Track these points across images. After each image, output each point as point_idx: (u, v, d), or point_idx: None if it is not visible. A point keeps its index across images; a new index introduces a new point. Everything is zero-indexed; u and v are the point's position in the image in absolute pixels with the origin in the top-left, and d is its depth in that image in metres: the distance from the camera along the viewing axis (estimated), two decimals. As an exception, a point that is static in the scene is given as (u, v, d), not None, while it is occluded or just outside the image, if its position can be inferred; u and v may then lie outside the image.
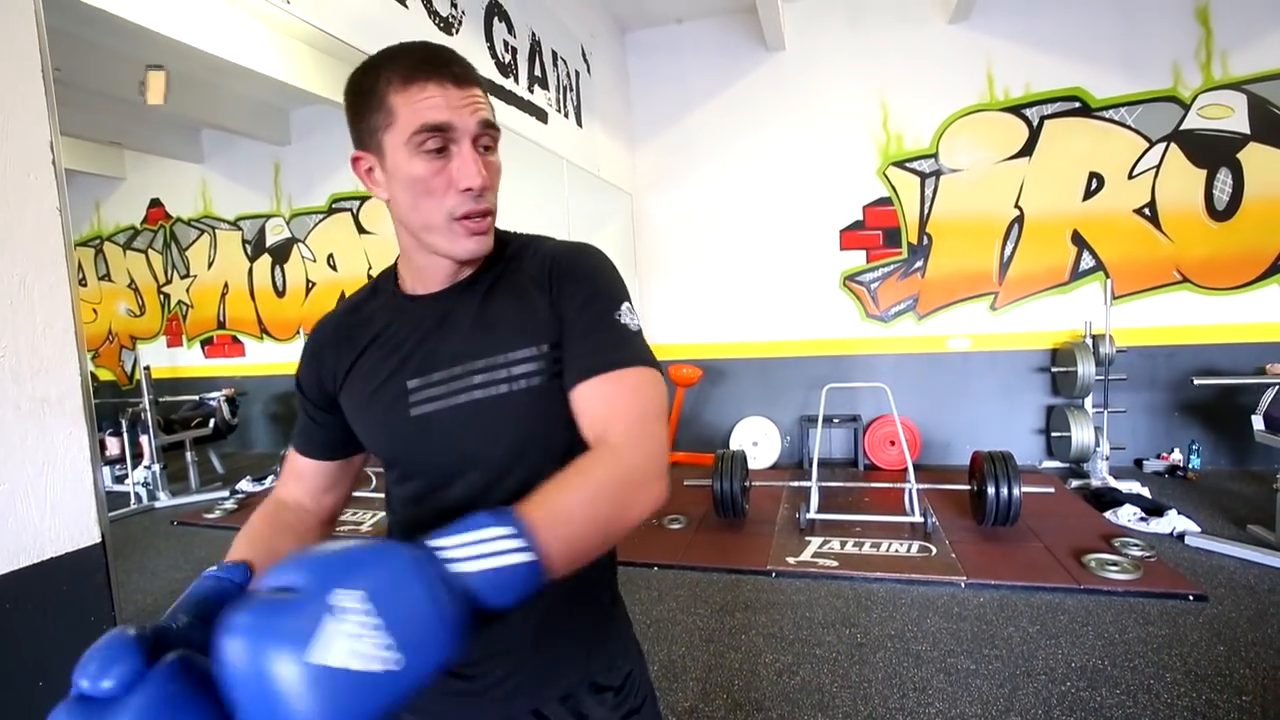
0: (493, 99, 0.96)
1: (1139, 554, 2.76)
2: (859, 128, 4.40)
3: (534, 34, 3.25)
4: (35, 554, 1.11)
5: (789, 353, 4.67)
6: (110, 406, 5.07)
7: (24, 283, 1.12)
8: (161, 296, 6.55)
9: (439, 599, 0.40)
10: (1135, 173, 4.01)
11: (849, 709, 1.91)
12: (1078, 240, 4.15)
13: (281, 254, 5.96)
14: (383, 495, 0.81)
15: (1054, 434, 4.21)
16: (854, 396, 4.54)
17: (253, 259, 6.07)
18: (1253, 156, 3.83)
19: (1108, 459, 3.82)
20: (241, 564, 0.62)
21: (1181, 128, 3.92)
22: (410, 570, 0.40)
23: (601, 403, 0.62)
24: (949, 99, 4.23)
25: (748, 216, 4.66)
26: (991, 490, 2.94)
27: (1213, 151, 3.89)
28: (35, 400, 1.12)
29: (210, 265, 6.25)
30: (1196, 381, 3.24)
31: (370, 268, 5.60)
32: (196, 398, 5.33)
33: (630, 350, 0.65)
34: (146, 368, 4.75)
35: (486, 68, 2.80)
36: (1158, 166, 3.98)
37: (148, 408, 4.56)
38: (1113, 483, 3.66)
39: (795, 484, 3.84)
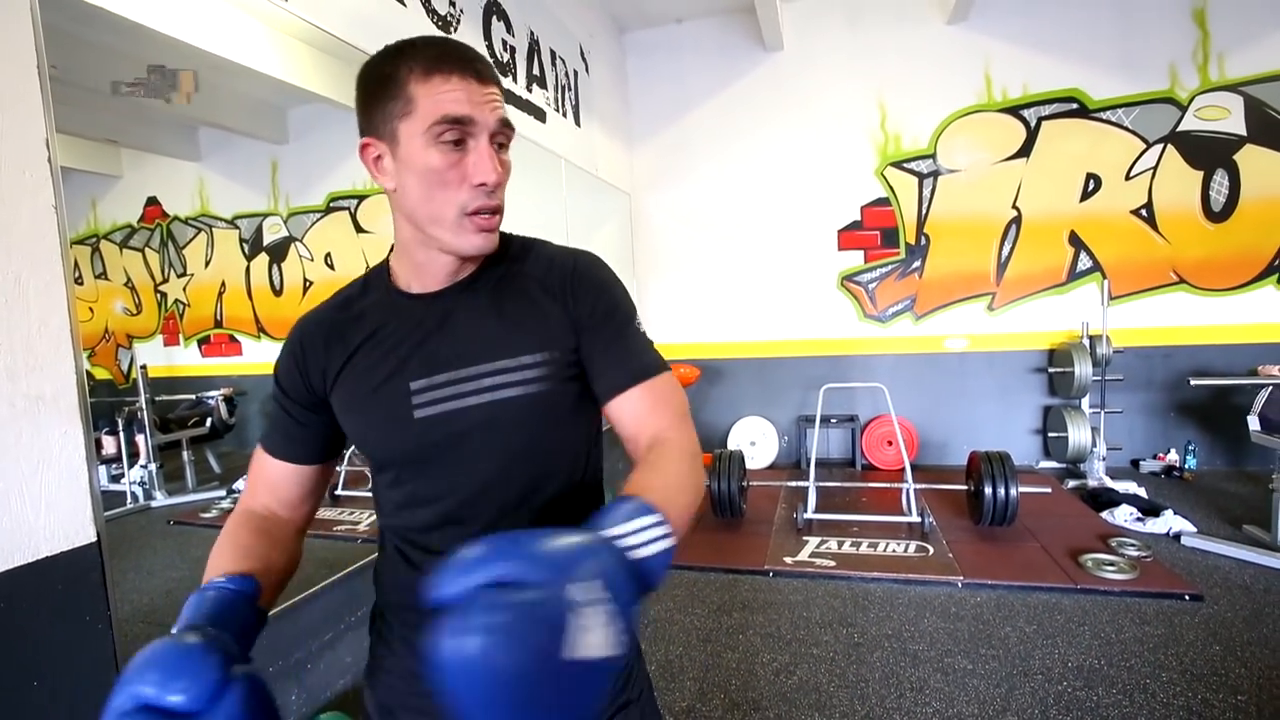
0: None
1: (1135, 554, 2.77)
2: (857, 128, 4.40)
3: (532, 33, 3.24)
4: (30, 553, 1.11)
5: (787, 353, 4.67)
6: (107, 405, 5.05)
7: (19, 280, 1.11)
8: (158, 295, 6.52)
9: (636, 585, 0.42)
10: (1132, 174, 4.02)
11: (846, 708, 1.91)
12: (1075, 241, 4.16)
13: (279, 253, 5.93)
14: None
15: (1051, 434, 4.22)
16: (851, 396, 4.54)
17: (250, 258, 6.04)
18: (1249, 158, 3.85)
19: (1104, 459, 3.83)
20: (247, 576, 0.62)
21: (1178, 129, 3.93)
22: (618, 559, 0.42)
23: (645, 408, 0.68)
24: (947, 99, 4.24)
25: (746, 216, 4.66)
26: (989, 490, 2.95)
27: (1209, 153, 3.91)
28: (30, 398, 1.12)
29: (207, 264, 6.22)
30: (1193, 382, 3.25)
31: (368, 267, 5.58)
32: (194, 397, 5.31)
33: (654, 357, 0.72)
34: (143, 366, 4.74)
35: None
36: (1155, 168, 3.99)
37: (144, 406, 4.55)
38: (1109, 483, 3.67)
39: (793, 484, 3.84)
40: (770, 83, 4.51)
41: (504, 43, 2.96)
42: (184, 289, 6.39)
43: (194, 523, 4.06)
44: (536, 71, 3.26)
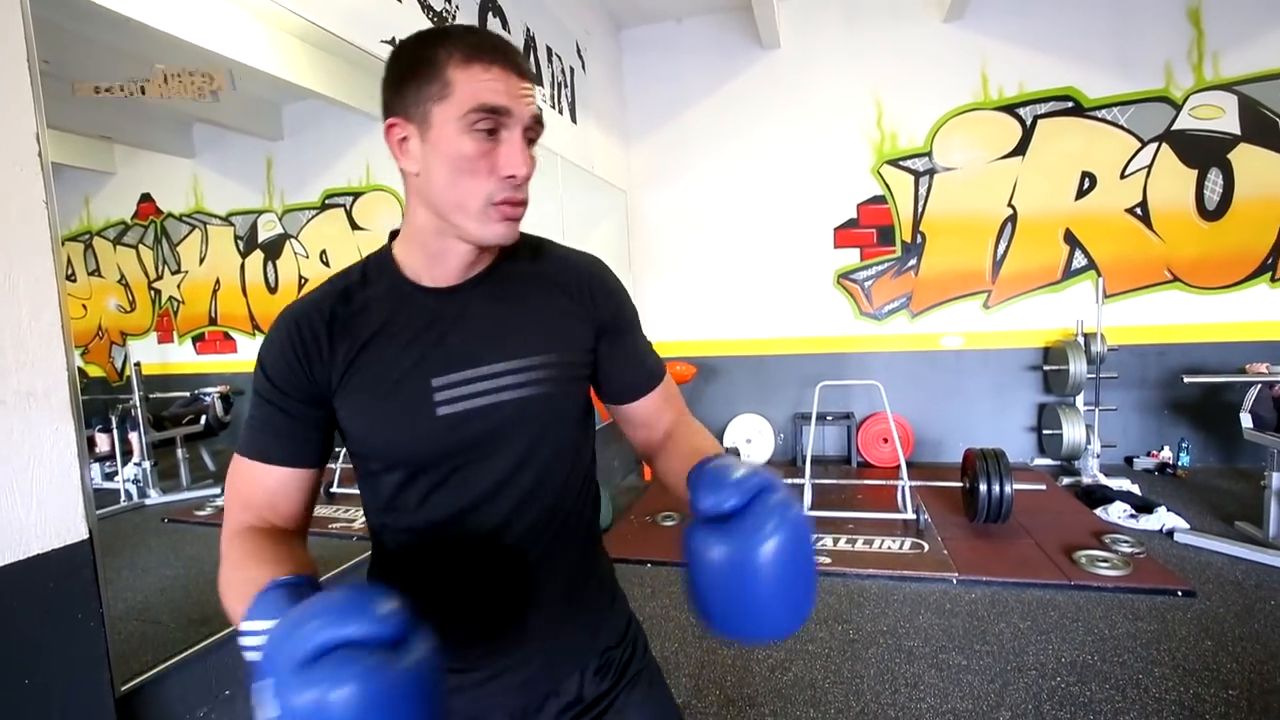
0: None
1: (1129, 550, 2.78)
2: (853, 126, 4.40)
3: (529, 30, 3.24)
4: (21, 550, 1.10)
5: (783, 350, 4.68)
6: (100, 403, 5.03)
7: (9, 275, 1.11)
8: (152, 292, 6.48)
9: None
10: (1127, 172, 4.03)
11: (841, 704, 1.92)
12: (1070, 239, 4.17)
13: (274, 250, 5.91)
14: None
15: (1045, 432, 4.23)
16: (847, 394, 4.55)
17: (245, 255, 6.02)
18: (1243, 157, 3.86)
19: (1098, 456, 3.85)
20: (306, 575, 0.59)
21: (1173, 128, 3.94)
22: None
23: (660, 404, 0.80)
24: (943, 98, 4.24)
25: (742, 214, 4.66)
26: (983, 487, 2.96)
27: (1204, 152, 3.92)
28: (21, 394, 1.11)
29: (202, 261, 6.19)
30: (1186, 380, 3.26)
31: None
32: (188, 394, 5.29)
33: (658, 359, 0.82)
34: (137, 364, 4.72)
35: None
36: (1149, 166, 4.00)
37: (138, 404, 4.53)
38: (1103, 480, 3.69)
39: (788, 481, 3.84)
40: (767, 81, 4.51)
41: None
42: (178, 286, 6.35)
43: (188, 520, 4.04)
44: (532, 68, 3.25)
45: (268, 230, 5.91)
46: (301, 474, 0.67)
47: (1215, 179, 3.91)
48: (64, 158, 5.70)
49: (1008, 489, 2.94)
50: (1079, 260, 4.18)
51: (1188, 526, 3.03)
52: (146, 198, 6.43)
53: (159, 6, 2.09)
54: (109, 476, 4.60)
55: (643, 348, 0.79)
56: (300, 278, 5.84)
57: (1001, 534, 3.05)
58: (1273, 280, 3.92)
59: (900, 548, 2.97)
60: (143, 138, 5.64)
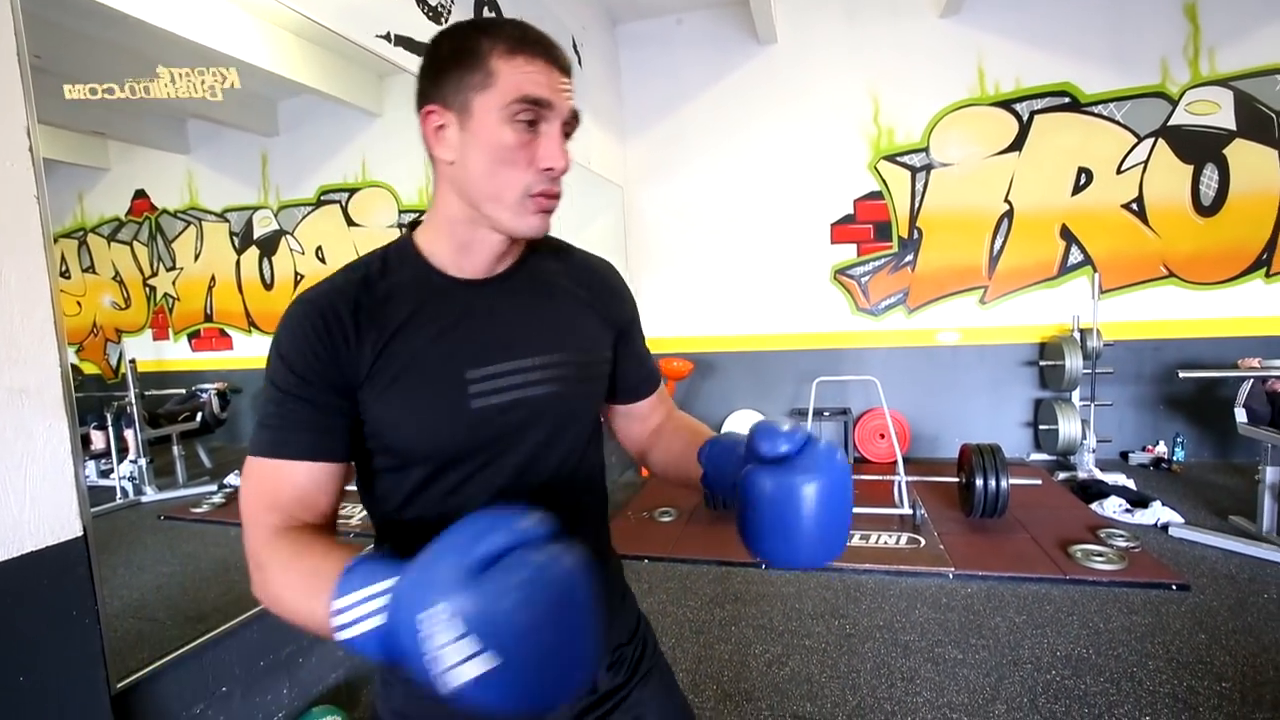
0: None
1: (1124, 545, 2.79)
2: (850, 121, 4.40)
3: (524, 24, 3.22)
4: (14, 548, 1.10)
5: (780, 346, 4.68)
6: (96, 400, 5.00)
7: (0, 271, 1.10)
8: (147, 289, 6.45)
9: None
10: (1123, 168, 4.04)
11: (837, 698, 1.92)
12: (1066, 235, 4.18)
13: (269, 246, 5.88)
14: None
15: (1042, 427, 4.25)
16: (844, 390, 4.55)
17: (240, 251, 6.00)
18: (1238, 152, 3.87)
19: (1094, 451, 3.87)
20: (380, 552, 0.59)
21: (1169, 123, 3.95)
22: None
23: (656, 402, 0.87)
24: (940, 93, 4.24)
25: (739, 210, 4.65)
26: (980, 482, 2.97)
27: (1199, 147, 3.93)
28: (13, 391, 1.10)
29: (197, 257, 6.16)
30: (1181, 375, 3.27)
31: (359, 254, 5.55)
32: (184, 391, 5.28)
33: (655, 359, 0.88)
34: (132, 361, 4.70)
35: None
36: (1145, 162, 4.00)
37: (133, 401, 4.52)
38: (1099, 475, 3.70)
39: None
40: (764, 76, 4.50)
41: (438, 32, 2.93)
42: (173, 283, 6.32)
43: (184, 518, 4.03)
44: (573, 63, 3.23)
45: (263, 226, 5.88)
46: (332, 468, 0.64)
47: (1211, 174, 3.92)
48: (57, 153, 5.65)
49: (1004, 484, 2.95)
50: (1075, 256, 4.18)
51: (1182, 521, 3.04)
52: (141, 194, 6.39)
53: (154, 2, 2.07)
54: (105, 474, 4.57)
55: (646, 350, 0.85)
56: (296, 274, 5.82)
57: (997, 529, 3.07)
58: (1267, 275, 3.93)
59: (897, 543, 2.98)
60: (137, 133, 5.60)
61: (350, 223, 5.83)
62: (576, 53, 3.92)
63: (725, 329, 4.77)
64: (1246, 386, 2.99)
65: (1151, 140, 3.98)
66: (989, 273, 4.32)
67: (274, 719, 1.75)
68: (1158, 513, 3.10)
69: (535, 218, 0.64)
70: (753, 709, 1.90)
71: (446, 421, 0.65)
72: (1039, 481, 3.64)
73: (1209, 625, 2.20)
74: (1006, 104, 4.16)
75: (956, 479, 3.32)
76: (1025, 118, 4.14)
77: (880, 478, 3.92)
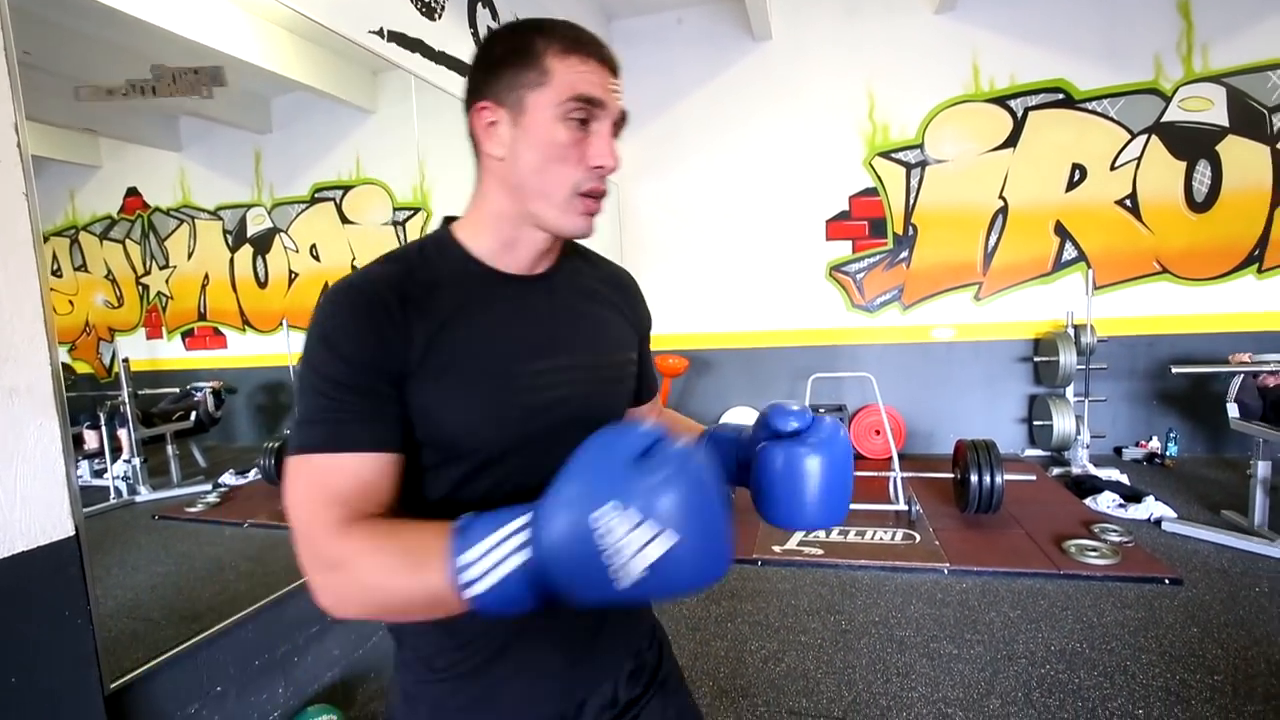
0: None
1: (1117, 540, 2.81)
2: (845, 118, 4.40)
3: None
4: (5, 547, 1.09)
5: (775, 343, 4.68)
6: (89, 399, 4.97)
7: (-10, 270, 1.09)
8: (140, 288, 6.41)
9: None
10: (1117, 164, 4.05)
11: (833, 694, 1.93)
12: (1060, 231, 4.19)
13: (263, 244, 5.85)
14: None
15: (1036, 423, 4.27)
16: (839, 386, 4.56)
17: (234, 249, 5.96)
18: (1231, 149, 3.89)
19: (1088, 447, 3.89)
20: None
21: (1162, 120, 3.97)
22: None
23: (654, 405, 0.90)
24: (935, 90, 4.24)
25: (734, 207, 4.65)
26: (974, 478, 2.98)
27: (1192, 144, 3.94)
28: (3, 390, 1.10)
29: (190, 256, 6.12)
30: (1174, 370, 3.29)
31: (355, 258, 5.53)
32: (178, 390, 5.25)
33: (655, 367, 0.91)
34: (125, 360, 4.67)
35: (468, 54, 2.77)
36: (1139, 158, 4.02)
37: (126, 400, 4.49)
38: (1093, 470, 3.72)
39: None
40: (759, 73, 4.49)
41: (489, 30, 2.92)
42: (166, 281, 6.27)
43: (179, 517, 4.01)
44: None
45: (256, 224, 5.84)
46: (393, 459, 0.60)
47: (1204, 171, 3.94)
48: (47, 151, 5.61)
49: (998, 480, 2.96)
50: (1069, 252, 4.20)
51: (1175, 515, 3.06)
52: (133, 192, 6.34)
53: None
54: (98, 474, 4.55)
55: (651, 358, 0.89)
56: (290, 273, 5.79)
57: (992, 524, 3.08)
58: (1259, 271, 3.96)
59: (892, 538, 2.99)
60: (128, 131, 5.55)
61: (344, 220, 5.80)
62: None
63: (721, 326, 4.78)
64: (1238, 381, 3.01)
65: (1145, 137, 3.99)
66: (984, 269, 4.33)
67: (269, 718, 1.75)
68: (1151, 507, 3.12)
69: (581, 219, 0.65)
70: (749, 705, 1.91)
71: (495, 416, 0.64)
72: (1033, 477, 3.65)
73: (1201, 619, 2.21)
74: (1001, 100, 4.17)
75: (951, 475, 3.33)
76: (1020, 114, 4.15)
77: (875, 474, 3.93)
